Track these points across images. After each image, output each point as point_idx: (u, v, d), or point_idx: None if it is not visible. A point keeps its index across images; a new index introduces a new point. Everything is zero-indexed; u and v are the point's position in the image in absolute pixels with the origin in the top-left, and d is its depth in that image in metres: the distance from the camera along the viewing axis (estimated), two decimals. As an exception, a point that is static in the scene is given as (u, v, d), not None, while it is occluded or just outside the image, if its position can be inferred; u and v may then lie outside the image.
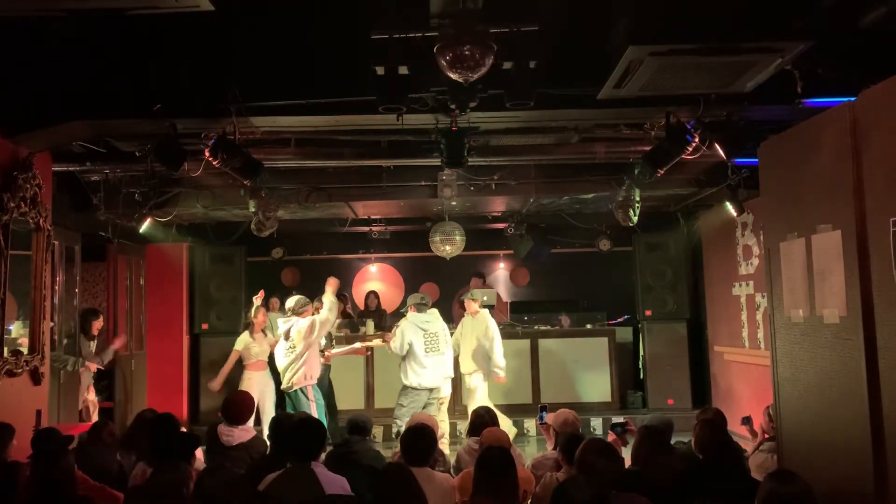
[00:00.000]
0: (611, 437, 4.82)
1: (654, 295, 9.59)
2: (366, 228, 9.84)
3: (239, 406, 4.87)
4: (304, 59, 4.78)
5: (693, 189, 7.72)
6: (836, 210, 3.65)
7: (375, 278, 11.83)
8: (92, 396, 7.35)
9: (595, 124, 5.81)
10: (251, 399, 5.03)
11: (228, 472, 3.20)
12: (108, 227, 7.69)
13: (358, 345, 8.49)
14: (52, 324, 5.95)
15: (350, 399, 8.88)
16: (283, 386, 6.87)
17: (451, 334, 7.48)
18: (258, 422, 6.82)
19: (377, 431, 8.17)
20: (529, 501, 3.89)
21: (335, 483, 3.58)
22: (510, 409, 8.57)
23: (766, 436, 5.23)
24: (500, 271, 11.97)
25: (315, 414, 6.46)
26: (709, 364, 9.23)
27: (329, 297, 6.88)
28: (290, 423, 4.73)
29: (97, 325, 7.28)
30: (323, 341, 7.56)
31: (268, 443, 4.79)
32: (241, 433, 4.72)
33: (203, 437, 4.84)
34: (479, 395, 7.47)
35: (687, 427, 5.80)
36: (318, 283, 11.28)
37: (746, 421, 6.76)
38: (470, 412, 5.39)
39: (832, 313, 3.67)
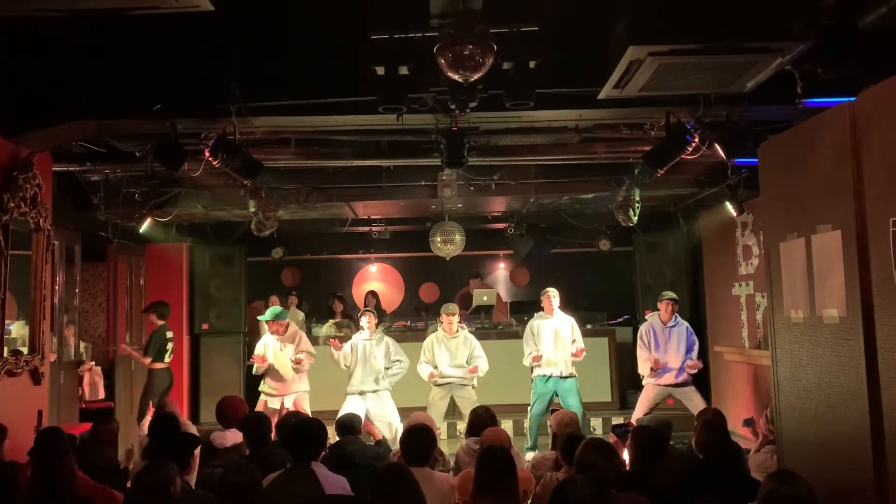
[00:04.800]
0: (612, 439, 4.82)
1: (654, 295, 9.55)
2: (366, 228, 9.84)
3: (231, 408, 4.77)
4: (305, 59, 4.78)
5: (693, 189, 7.72)
6: (836, 210, 3.65)
7: (375, 278, 11.84)
8: (94, 365, 7.39)
9: (595, 124, 5.80)
10: (243, 403, 4.94)
11: (252, 470, 3.20)
12: (108, 227, 7.69)
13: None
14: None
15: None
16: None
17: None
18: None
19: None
20: (529, 501, 3.89)
21: (335, 483, 3.58)
22: (510, 409, 8.58)
23: (766, 438, 5.23)
24: (500, 271, 11.98)
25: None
26: (709, 364, 9.21)
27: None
28: (290, 422, 4.74)
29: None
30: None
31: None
32: (234, 435, 4.66)
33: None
34: None
35: (687, 427, 5.80)
36: (318, 283, 11.44)
37: (749, 423, 6.76)
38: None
39: (832, 313, 3.67)
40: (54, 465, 3.35)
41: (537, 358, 7.40)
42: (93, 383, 7.42)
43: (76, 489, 3.43)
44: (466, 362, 7.30)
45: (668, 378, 7.26)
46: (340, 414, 6.50)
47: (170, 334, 7.69)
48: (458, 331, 7.40)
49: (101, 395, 7.41)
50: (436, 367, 7.29)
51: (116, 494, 3.74)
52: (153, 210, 7.17)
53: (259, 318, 7.69)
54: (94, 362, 7.65)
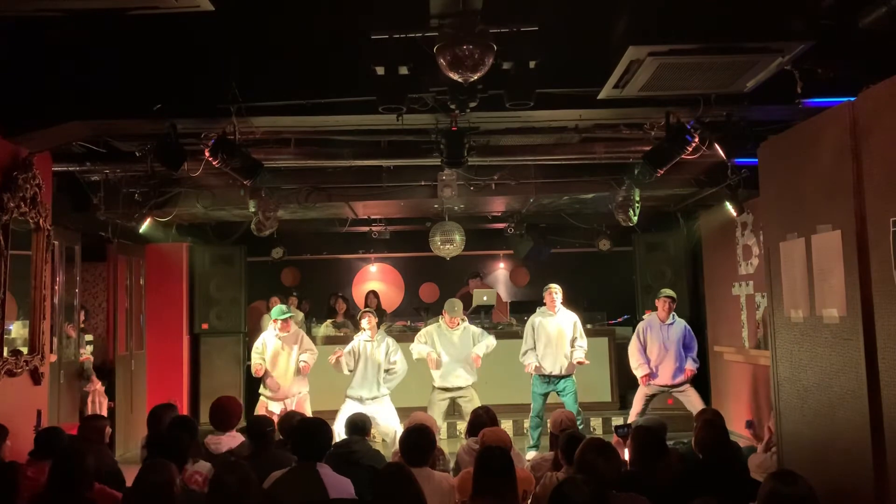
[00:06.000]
0: (614, 440, 4.82)
1: (654, 295, 9.57)
2: (366, 228, 9.84)
3: (226, 410, 4.66)
4: (305, 59, 4.78)
5: (693, 189, 7.72)
6: (836, 210, 3.65)
7: (375, 278, 11.84)
8: (99, 386, 7.38)
9: (595, 124, 5.81)
10: (238, 404, 4.83)
11: (244, 469, 3.19)
12: (108, 227, 7.69)
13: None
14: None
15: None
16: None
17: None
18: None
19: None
20: (529, 501, 3.89)
21: (339, 485, 3.54)
22: (510, 409, 8.58)
23: (771, 441, 5.22)
24: (500, 271, 11.98)
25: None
26: (709, 364, 9.22)
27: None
28: (292, 420, 4.72)
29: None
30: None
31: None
32: (229, 440, 4.56)
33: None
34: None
35: (687, 427, 5.80)
36: (318, 283, 11.45)
37: (750, 425, 6.77)
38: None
39: (832, 313, 3.67)
40: (77, 466, 3.34)
41: (537, 368, 7.42)
42: (97, 402, 7.41)
43: (92, 492, 3.43)
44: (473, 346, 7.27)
45: (665, 378, 7.26)
46: (342, 415, 6.50)
47: None
48: (459, 324, 7.39)
49: (105, 413, 7.38)
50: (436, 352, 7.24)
51: (116, 494, 3.73)
52: (153, 210, 7.17)
53: (272, 316, 7.63)
54: (99, 384, 7.63)
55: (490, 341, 7.29)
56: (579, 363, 7.36)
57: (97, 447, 4.44)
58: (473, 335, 7.35)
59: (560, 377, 7.39)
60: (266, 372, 7.18)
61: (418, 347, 7.31)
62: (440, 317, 7.57)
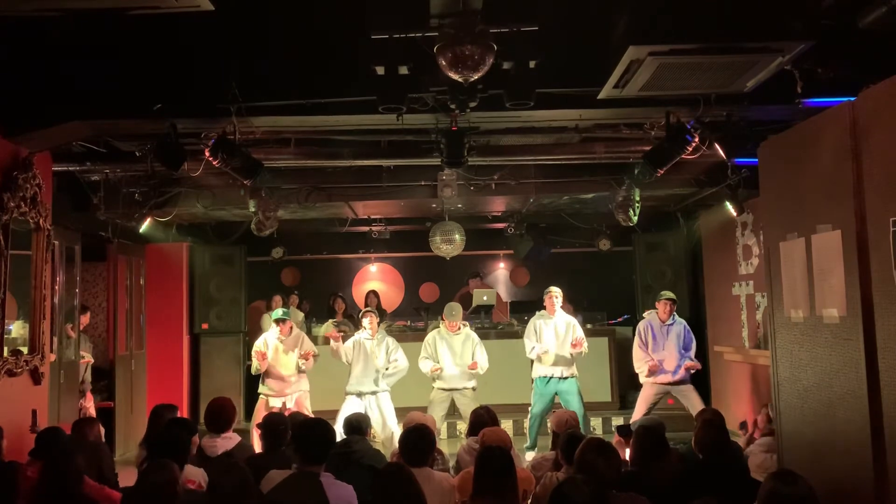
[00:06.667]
0: (616, 440, 4.82)
1: (654, 295, 9.55)
2: (366, 228, 9.84)
3: (221, 413, 4.56)
4: (305, 60, 4.78)
5: (693, 189, 7.72)
6: (836, 210, 3.65)
7: (375, 278, 11.84)
8: (91, 405, 7.39)
9: (595, 124, 5.81)
10: (233, 406, 4.71)
11: (242, 471, 3.18)
12: (108, 227, 7.69)
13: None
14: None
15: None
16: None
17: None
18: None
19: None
20: (529, 501, 3.89)
21: (341, 495, 3.46)
22: (510, 409, 8.58)
23: (759, 432, 5.22)
24: (500, 271, 11.98)
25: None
26: (708, 364, 9.22)
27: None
28: (296, 421, 4.71)
29: None
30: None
31: (255, 448, 4.69)
32: (224, 442, 4.44)
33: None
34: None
35: (688, 427, 5.80)
36: (318, 283, 11.45)
37: (744, 426, 6.77)
38: None
39: (832, 313, 3.67)
40: (67, 464, 3.34)
41: (544, 353, 7.36)
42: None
43: (84, 490, 3.44)
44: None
45: (666, 377, 7.25)
46: (342, 413, 6.51)
47: None
48: (460, 328, 7.40)
49: None
50: (437, 363, 7.26)
51: (115, 494, 3.74)
52: (153, 210, 7.17)
53: (271, 316, 7.63)
54: (92, 402, 7.61)
55: (482, 362, 7.23)
56: (578, 342, 7.28)
57: (95, 447, 4.45)
58: (473, 348, 7.32)
59: (561, 378, 7.37)
60: (267, 370, 7.19)
61: (423, 365, 7.29)
62: (441, 321, 7.57)
